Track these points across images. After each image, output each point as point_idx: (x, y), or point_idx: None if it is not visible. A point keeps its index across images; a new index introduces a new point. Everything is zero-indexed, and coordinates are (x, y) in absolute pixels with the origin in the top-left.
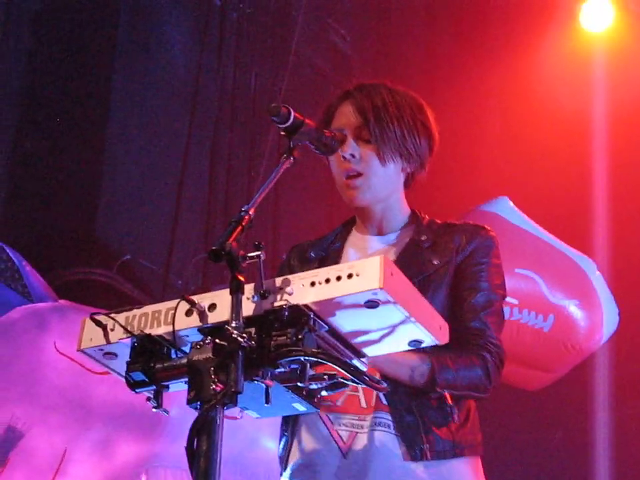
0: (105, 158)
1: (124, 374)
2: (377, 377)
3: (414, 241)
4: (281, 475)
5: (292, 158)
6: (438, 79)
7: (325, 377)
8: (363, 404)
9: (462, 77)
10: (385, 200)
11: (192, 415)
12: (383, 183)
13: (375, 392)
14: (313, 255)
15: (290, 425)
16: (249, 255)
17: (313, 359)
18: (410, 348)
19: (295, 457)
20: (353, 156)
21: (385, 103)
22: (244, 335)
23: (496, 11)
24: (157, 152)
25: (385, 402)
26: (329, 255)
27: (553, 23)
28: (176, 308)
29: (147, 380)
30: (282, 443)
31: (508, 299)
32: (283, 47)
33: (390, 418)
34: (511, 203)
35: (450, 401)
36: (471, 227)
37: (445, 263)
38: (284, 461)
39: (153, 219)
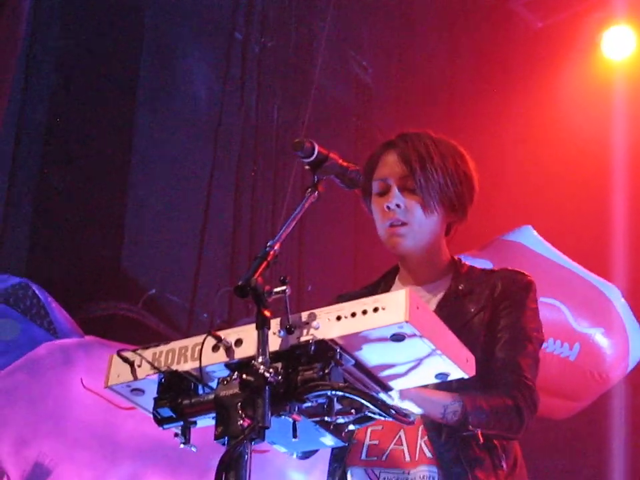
0: (130, 193)
1: (151, 410)
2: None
3: (452, 289)
4: None
5: (317, 192)
6: (459, 109)
7: (352, 410)
8: (407, 458)
9: (483, 106)
10: (427, 249)
11: (220, 449)
12: (426, 231)
13: (418, 445)
14: None
15: (336, 476)
16: (275, 290)
17: (339, 393)
18: (437, 381)
19: None
20: (398, 206)
21: (430, 152)
22: (270, 370)
23: (517, 40)
24: (181, 186)
25: (429, 455)
26: None
27: (575, 50)
28: (202, 344)
29: (174, 416)
30: None
31: None
32: (305, 80)
33: (435, 471)
34: (535, 232)
35: (498, 449)
36: (508, 272)
37: (480, 309)
38: None
39: (178, 252)
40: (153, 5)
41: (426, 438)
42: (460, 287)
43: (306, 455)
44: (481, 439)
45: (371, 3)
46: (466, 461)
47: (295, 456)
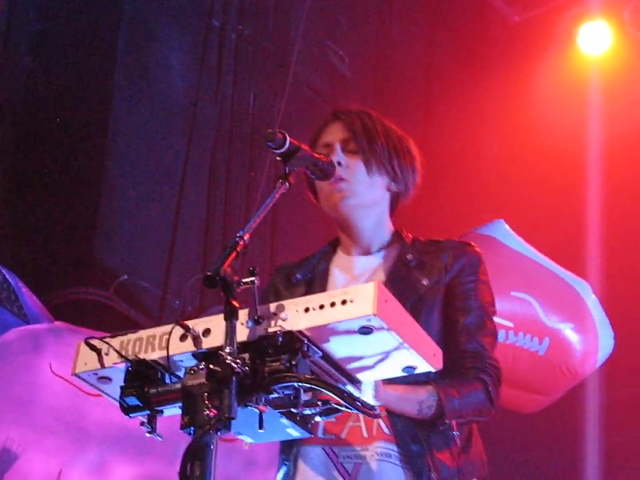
0: (103, 179)
1: (118, 398)
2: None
3: (400, 260)
4: None
5: (287, 183)
6: (436, 101)
7: (319, 402)
8: (365, 434)
9: (460, 99)
10: (369, 213)
11: (187, 437)
12: (368, 193)
13: (375, 421)
14: (300, 277)
15: (292, 455)
16: (244, 280)
17: (306, 384)
18: (404, 374)
19: None
20: (339, 164)
21: (374, 122)
22: (238, 360)
23: (494, 34)
24: (155, 173)
25: (387, 431)
26: (315, 276)
27: (552, 45)
28: (170, 333)
29: (141, 405)
30: (282, 472)
31: (503, 322)
32: (282, 68)
33: (393, 448)
34: (507, 226)
35: (455, 428)
36: (456, 243)
37: (434, 283)
38: None
39: (151, 239)
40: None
41: (384, 414)
42: (408, 257)
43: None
44: (455, 428)
45: None
46: (424, 439)
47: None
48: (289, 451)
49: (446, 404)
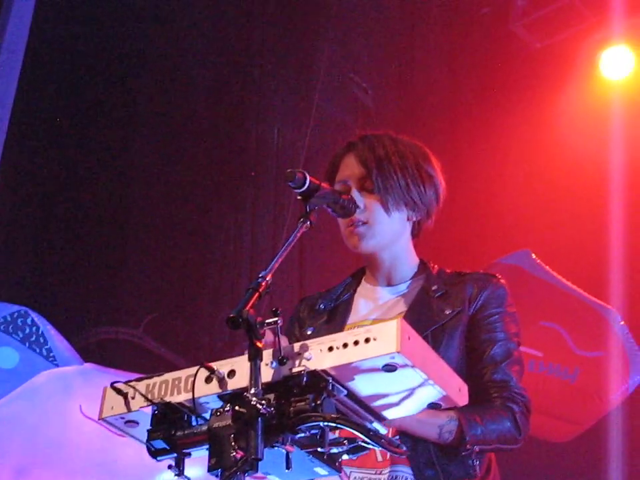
0: (129, 214)
1: (145, 442)
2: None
3: (424, 290)
4: None
5: (309, 222)
6: (460, 130)
7: (345, 441)
8: (379, 457)
9: (484, 128)
10: (391, 248)
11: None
12: (388, 230)
13: None
14: (323, 307)
15: None
16: (267, 321)
17: (332, 424)
18: (428, 408)
19: None
20: (357, 207)
21: (388, 153)
22: (263, 401)
23: (516, 60)
24: (181, 209)
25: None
26: (339, 305)
27: (574, 70)
28: (195, 375)
29: (168, 448)
30: None
31: (533, 352)
32: (305, 102)
33: (408, 472)
34: (533, 255)
35: (472, 455)
36: (481, 275)
37: (457, 312)
38: None
39: (179, 275)
40: (155, 33)
41: (397, 437)
42: (433, 288)
43: None
44: (473, 457)
45: (370, 25)
46: (439, 464)
47: None
48: None
49: (467, 430)
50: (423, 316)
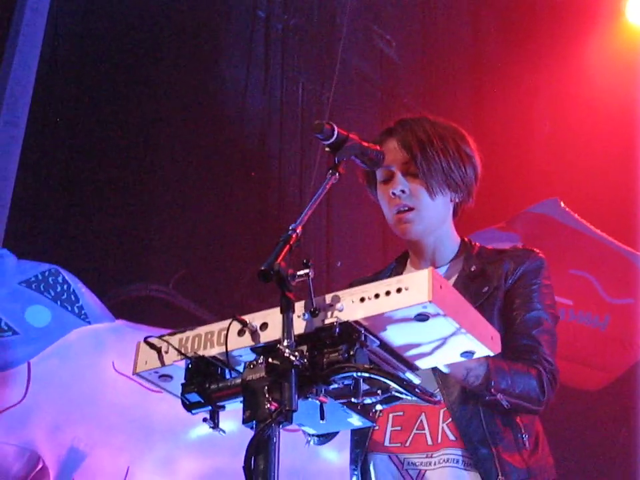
0: (157, 175)
1: (180, 395)
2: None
3: (465, 271)
4: None
5: (337, 174)
6: (485, 81)
7: (379, 391)
8: (429, 442)
9: (509, 78)
10: (436, 232)
11: (251, 430)
12: (434, 215)
13: (440, 429)
14: None
15: (359, 464)
16: (298, 273)
17: (365, 374)
18: (462, 359)
19: None
20: (403, 192)
21: (429, 136)
22: (296, 353)
23: (541, 12)
24: (207, 167)
25: (452, 437)
26: None
27: (599, 19)
28: (228, 328)
29: (202, 401)
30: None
31: (563, 300)
32: (329, 56)
33: (459, 453)
34: (562, 204)
35: (521, 427)
36: (520, 251)
37: (494, 289)
38: None
39: (208, 232)
40: None
41: (449, 421)
42: (472, 269)
43: (323, 441)
44: (503, 403)
45: None
46: (492, 442)
47: (312, 443)
48: (357, 460)
49: (494, 376)
50: (464, 297)
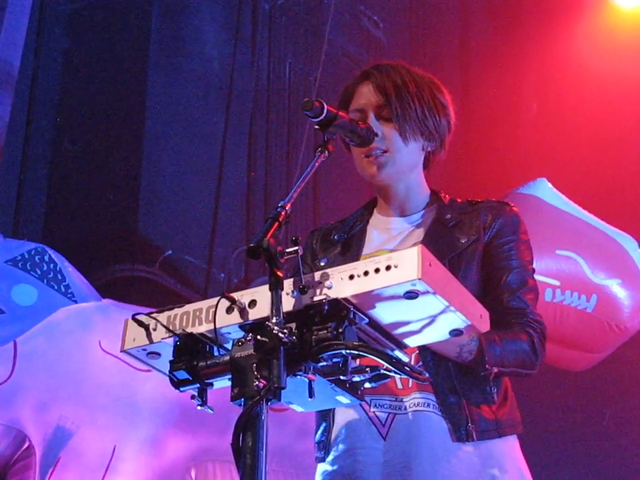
0: (144, 154)
1: (168, 373)
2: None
3: (439, 220)
4: (322, 460)
5: (327, 151)
6: (473, 61)
7: (367, 369)
8: (399, 385)
9: (497, 58)
10: (407, 178)
11: (238, 407)
12: (406, 160)
13: None
14: (336, 238)
15: (327, 412)
16: (287, 250)
17: (354, 352)
18: (451, 337)
19: (334, 442)
20: (376, 135)
21: (405, 81)
22: (285, 330)
23: None
24: (195, 146)
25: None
26: (352, 237)
27: (586, 1)
28: (216, 306)
29: (190, 378)
30: (321, 428)
31: (549, 281)
32: (316, 36)
33: (431, 398)
34: (549, 184)
35: (490, 381)
36: (494, 203)
37: (473, 241)
38: (325, 446)
39: (194, 213)
40: None
41: (420, 364)
42: (447, 217)
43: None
44: (491, 383)
45: None
46: (461, 392)
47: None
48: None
49: (487, 349)
50: (438, 245)
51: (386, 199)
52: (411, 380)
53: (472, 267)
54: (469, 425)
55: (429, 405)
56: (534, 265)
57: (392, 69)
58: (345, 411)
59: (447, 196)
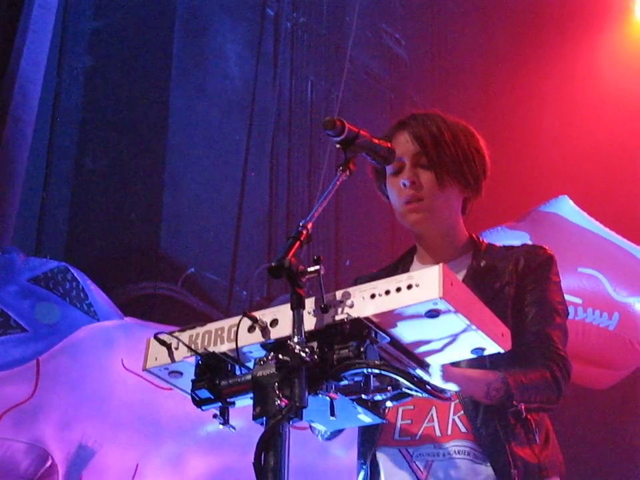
0: (166, 172)
1: (190, 392)
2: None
3: (474, 267)
4: None
5: (348, 170)
6: (495, 79)
7: (389, 387)
8: (438, 433)
9: (519, 77)
10: (444, 225)
11: (260, 426)
12: (443, 206)
13: (450, 421)
14: None
15: (368, 459)
16: (309, 269)
17: (375, 370)
18: (473, 356)
19: None
20: (413, 182)
21: (441, 129)
22: (306, 349)
23: (551, 10)
24: (217, 164)
25: (463, 430)
26: None
27: (609, 17)
28: (238, 325)
29: (212, 397)
30: (361, 476)
31: (572, 299)
32: (338, 54)
33: (470, 445)
34: (571, 202)
35: (532, 424)
36: (529, 247)
37: (504, 285)
38: None
39: (216, 231)
40: None
41: (460, 413)
42: (482, 264)
43: (331, 437)
44: (524, 412)
45: None
46: (504, 436)
47: (320, 439)
48: (366, 455)
49: (513, 386)
50: (474, 292)
51: (424, 245)
52: (450, 427)
53: (505, 311)
54: (512, 470)
55: (467, 453)
56: (565, 307)
57: (428, 118)
58: (386, 460)
59: (485, 241)
